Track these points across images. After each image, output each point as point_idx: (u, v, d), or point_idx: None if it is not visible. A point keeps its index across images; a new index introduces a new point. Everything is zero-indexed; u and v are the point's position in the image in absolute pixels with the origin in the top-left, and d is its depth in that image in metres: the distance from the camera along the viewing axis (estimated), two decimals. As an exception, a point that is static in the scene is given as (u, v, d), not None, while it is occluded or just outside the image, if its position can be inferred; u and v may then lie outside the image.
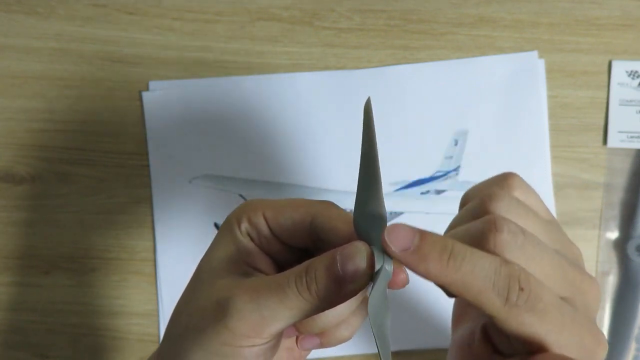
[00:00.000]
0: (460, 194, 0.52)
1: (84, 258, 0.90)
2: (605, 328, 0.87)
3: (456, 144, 0.89)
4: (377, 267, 0.46)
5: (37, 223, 0.91)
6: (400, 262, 0.44)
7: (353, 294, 0.47)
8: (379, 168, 0.46)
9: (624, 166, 0.89)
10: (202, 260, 0.54)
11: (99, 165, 0.91)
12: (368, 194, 0.47)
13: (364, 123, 0.47)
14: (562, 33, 0.90)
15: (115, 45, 0.92)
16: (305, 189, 0.90)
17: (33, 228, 0.91)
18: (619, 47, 0.90)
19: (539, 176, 0.89)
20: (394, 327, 0.87)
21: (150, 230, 0.90)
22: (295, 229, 0.52)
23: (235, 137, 0.90)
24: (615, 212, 0.88)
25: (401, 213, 0.89)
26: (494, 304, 0.43)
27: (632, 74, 0.89)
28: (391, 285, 0.48)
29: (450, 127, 0.90)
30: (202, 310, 0.50)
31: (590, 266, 0.88)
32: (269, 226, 0.52)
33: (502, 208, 0.47)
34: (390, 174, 0.89)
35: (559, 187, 0.89)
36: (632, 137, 0.88)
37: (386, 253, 0.45)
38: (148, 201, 0.90)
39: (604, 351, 0.47)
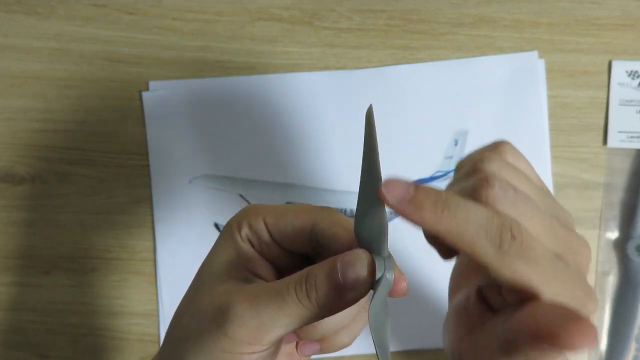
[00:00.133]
0: None
1: (84, 258, 0.90)
2: (605, 328, 0.87)
3: (456, 144, 0.89)
4: (378, 275, 0.46)
5: (37, 223, 0.91)
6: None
7: (353, 302, 0.48)
8: (380, 175, 0.46)
9: (624, 166, 0.89)
10: (202, 265, 0.54)
11: (99, 165, 0.91)
12: (369, 202, 0.47)
13: (365, 130, 0.47)
14: (562, 33, 0.90)
15: (115, 45, 0.91)
16: (305, 189, 0.90)
17: (33, 228, 0.91)
18: (619, 47, 0.90)
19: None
20: (394, 327, 0.87)
21: (150, 230, 0.90)
22: (295, 235, 0.52)
23: (235, 137, 0.90)
24: (615, 212, 0.88)
25: (401, 213, 0.89)
26: (487, 252, 0.44)
27: (632, 74, 0.89)
28: (392, 293, 0.48)
29: (450, 127, 0.90)
30: (202, 315, 0.50)
31: (590, 266, 0.88)
32: (269, 232, 0.52)
33: (494, 168, 0.49)
34: (390, 174, 0.89)
35: (559, 187, 0.89)
36: (632, 137, 0.88)
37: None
38: (148, 201, 0.90)
39: (594, 305, 0.47)
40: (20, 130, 0.91)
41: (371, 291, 0.47)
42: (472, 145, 0.89)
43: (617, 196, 0.89)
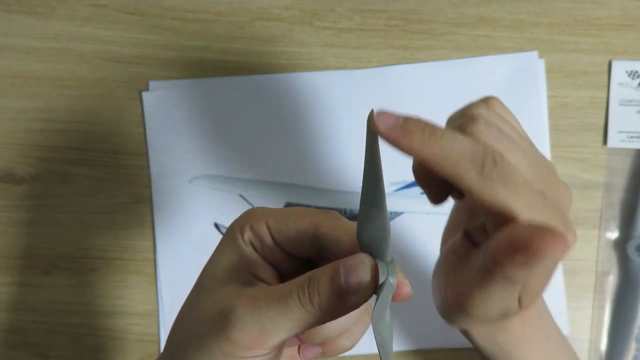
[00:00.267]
0: None
1: (84, 258, 0.90)
2: (605, 328, 0.87)
3: (456, 144, 0.89)
4: (381, 280, 0.46)
5: (37, 223, 0.91)
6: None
7: (356, 306, 0.48)
8: (382, 181, 0.46)
9: (624, 166, 0.89)
10: (204, 268, 0.54)
11: (99, 165, 0.91)
12: (371, 206, 0.47)
13: (367, 135, 0.47)
14: (562, 33, 0.90)
15: (115, 45, 0.91)
16: (305, 189, 0.90)
17: (33, 228, 0.91)
18: (619, 47, 0.90)
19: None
20: (396, 327, 0.87)
21: (150, 230, 0.90)
22: (298, 239, 0.52)
23: (235, 137, 0.90)
24: (615, 212, 0.89)
25: (401, 213, 0.89)
26: (470, 176, 0.46)
27: (632, 74, 0.89)
28: (395, 298, 0.48)
29: (450, 127, 0.90)
30: (204, 319, 0.50)
31: (590, 266, 0.88)
32: (272, 235, 0.52)
33: (481, 112, 0.53)
34: (390, 174, 0.89)
35: (559, 188, 0.89)
36: (632, 137, 0.88)
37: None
38: (148, 201, 0.90)
39: (572, 236, 0.50)
40: (20, 130, 0.91)
41: (374, 296, 0.47)
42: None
43: (617, 196, 0.89)
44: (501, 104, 0.55)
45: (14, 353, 0.90)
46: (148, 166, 0.90)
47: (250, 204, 0.89)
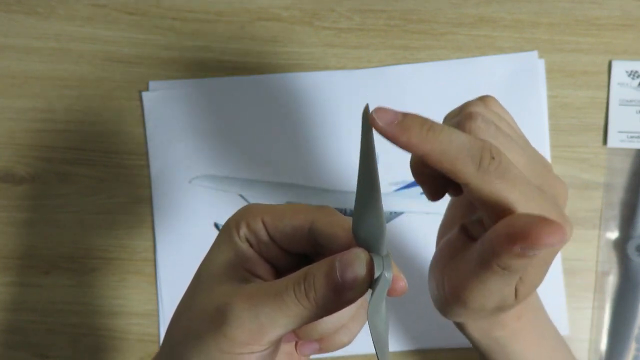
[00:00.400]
0: None
1: (84, 258, 0.90)
2: (605, 328, 0.87)
3: (456, 144, 0.89)
4: (376, 274, 0.46)
5: (37, 223, 0.91)
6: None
7: (352, 301, 0.47)
8: (377, 175, 0.46)
9: (624, 166, 0.89)
10: (201, 265, 0.54)
11: (99, 165, 0.91)
12: (367, 201, 0.47)
13: (362, 130, 0.47)
14: (562, 33, 0.90)
15: (115, 45, 0.92)
16: (305, 189, 0.90)
17: (33, 228, 0.91)
18: (619, 47, 0.90)
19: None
20: (394, 327, 0.87)
21: (150, 230, 0.90)
22: (294, 235, 0.52)
23: (235, 137, 0.90)
24: (615, 212, 0.88)
25: (401, 213, 0.89)
26: (468, 170, 0.47)
27: (632, 74, 0.89)
28: (390, 292, 0.48)
29: (450, 127, 0.90)
30: (201, 317, 0.50)
31: (590, 266, 0.88)
32: (267, 232, 0.52)
33: (478, 109, 0.53)
34: (390, 174, 0.89)
35: (559, 187, 0.89)
36: (632, 137, 0.88)
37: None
38: (148, 201, 0.90)
39: (568, 229, 0.50)
40: (20, 130, 0.91)
41: (370, 290, 0.47)
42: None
43: (617, 196, 0.89)
44: (498, 102, 0.56)
45: (14, 353, 0.90)
46: (148, 166, 0.90)
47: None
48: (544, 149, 0.89)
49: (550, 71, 0.90)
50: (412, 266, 0.87)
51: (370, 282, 0.47)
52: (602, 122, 0.89)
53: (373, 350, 0.48)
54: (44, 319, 0.90)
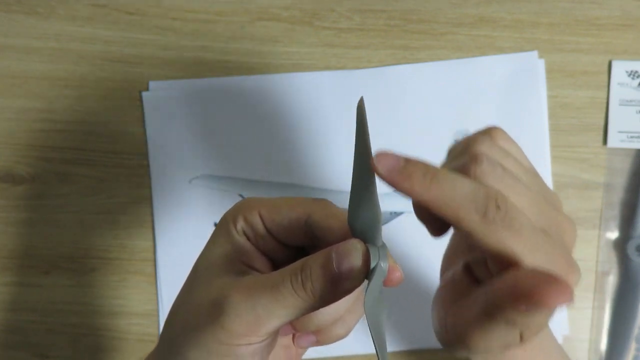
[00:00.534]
0: None
1: (84, 258, 0.90)
2: (605, 328, 0.87)
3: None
4: (372, 264, 0.46)
5: (37, 223, 0.91)
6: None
7: (348, 291, 0.48)
8: (372, 167, 0.46)
9: (624, 166, 0.89)
10: (198, 259, 0.54)
11: (99, 165, 0.91)
12: (362, 192, 0.47)
13: (357, 122, 0.47)
14: (562, 33, 0.90)
15: (115, 45, 0.92)
16: (305, 189, 0.90)
17: (33, 228, 0.91)
18: (619, 47, 0.90)
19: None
20: (394, 327, 0.87)
21: (150, 230, 0.90)
22: (291, 228, 0.52)
23: (235, 137, 0.90)
24: (615, 212, 0.88)
25: (401, 213, 0.89)
26: (472, 219, 0.46)
27: (632, 74, 0.89)
28: (386, 282, 0.48)
29: (450, 127, 0.90)
30: (198, 310, 0.50)
31: (590, 266, 0.88)
32: (264, 225, 0.53)
33: (484, 149, 0.51)
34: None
35: (559, 187, 0.89)
36: (632, 137, 0.88)
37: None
38: (148, 201, 0.90)
39: (576, 276, 0.49)
40: (20, 130, 0.91)
41: (366, 281, 0.47)
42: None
43: (617, 196, 0.88)
44: (504, 134, 0.54)
45: (14, 353, 0.90)
46: (148, 166, 0.90)
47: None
48: (544, 149, 0.89)
49: (550, 71, 0.90)
50: (412, 266, 0.87)
51: (367, 272, 0.47)
52: (602, 122, 0.89)
53: (373, 351, 0.48)
54: (44, 319, 0.90)
